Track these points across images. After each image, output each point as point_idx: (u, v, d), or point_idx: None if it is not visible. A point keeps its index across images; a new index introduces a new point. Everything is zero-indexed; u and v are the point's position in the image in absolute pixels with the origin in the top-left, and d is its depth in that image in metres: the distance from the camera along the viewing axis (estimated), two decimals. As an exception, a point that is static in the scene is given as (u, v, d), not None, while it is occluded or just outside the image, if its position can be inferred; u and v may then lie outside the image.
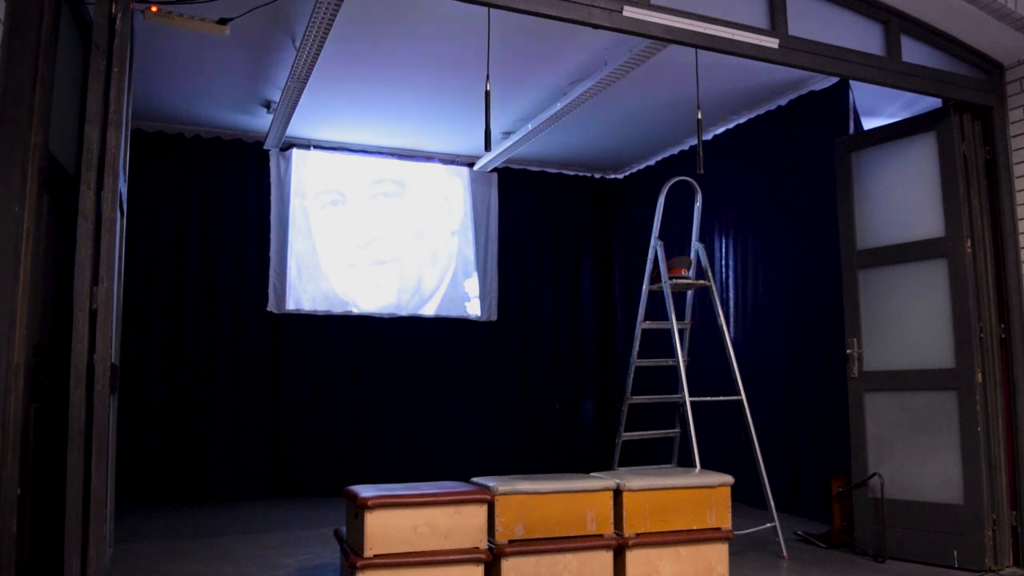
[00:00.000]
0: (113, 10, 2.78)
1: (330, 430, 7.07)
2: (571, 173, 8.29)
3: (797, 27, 3.95)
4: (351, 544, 3.54)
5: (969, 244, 4.30)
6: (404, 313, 7.42)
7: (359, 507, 3.34)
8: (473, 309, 7.71)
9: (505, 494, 3.52)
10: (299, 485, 6.87)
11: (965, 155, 4.38)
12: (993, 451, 4.20)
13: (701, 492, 3.87)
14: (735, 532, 3.98)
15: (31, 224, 2.63)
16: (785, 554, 4.46)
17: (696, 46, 3.89)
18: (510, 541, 3.51)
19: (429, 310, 7.53)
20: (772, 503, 4.58)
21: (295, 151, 7.11)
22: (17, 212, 2.57)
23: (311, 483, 6.88)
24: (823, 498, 5.25)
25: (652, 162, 7.83)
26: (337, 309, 7.17)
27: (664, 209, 5.14)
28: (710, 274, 4.97)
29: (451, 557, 3.39)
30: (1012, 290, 4.32)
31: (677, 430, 5.04)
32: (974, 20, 4.16)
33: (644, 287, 5.04)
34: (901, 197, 4.59)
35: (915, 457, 4.40)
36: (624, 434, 4.93)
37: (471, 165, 7.76)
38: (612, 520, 3.69)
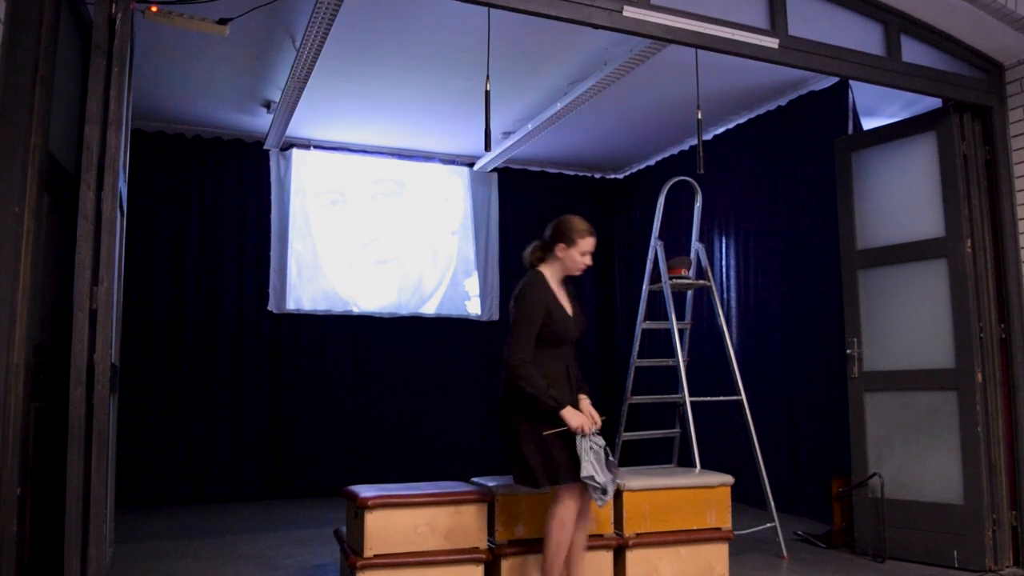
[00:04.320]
0: (113, 10, 2.78)
1: (330, 430, 7.06)
2: (571, 173, 8.29)
3: (797, 27, 3.95)
4: (351, 544, 3.54)
5: (969, 244, 4.30)
6: (404, 313, 7.42)
7: (359, 507, 3.34)
8: (473, 308, 7.71)
9: (505, 494, 3.52)
10: (299, 485, 6.86)
11: (965, 155, 4.38)
12: (993, 451, 4.20)
13: (701, 492, 3.87)
14: (735, 532, 3.98)
15: (31, 224, 2.63)
16: (785, 554, 4.46)
17: (696, 46, 3.89)
18: (510, 541, 3.51)
19: (429, 309, 7.53)
20: (772, 503, 4.58)
21: (295, 151, 7.11)
22: (17, 212, 2.57)
23: (311, 483, 6.88)
24: (823, 498, 5.25)
25: (652, 162, 7.83)
26: (337, 309, 7.18)
27: (664, 209, 5.14)
28: (710, 274, 4.97)
29: (451, 557, 3.40)
30: (1012, 290, 4.32)
31: (677, 430, 5.04)
32: (974, 20, 4.16)
33: (644, 287, 5.04)
34: (901, 197, 4.59)
35: (915, 457, 4.40)
36: (624, 434, 4.93)
37: (471, 165, 7.76)
38: (612, 520, 3.69)
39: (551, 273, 3.34)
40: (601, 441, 3.18)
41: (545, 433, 3.12)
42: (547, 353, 3.22)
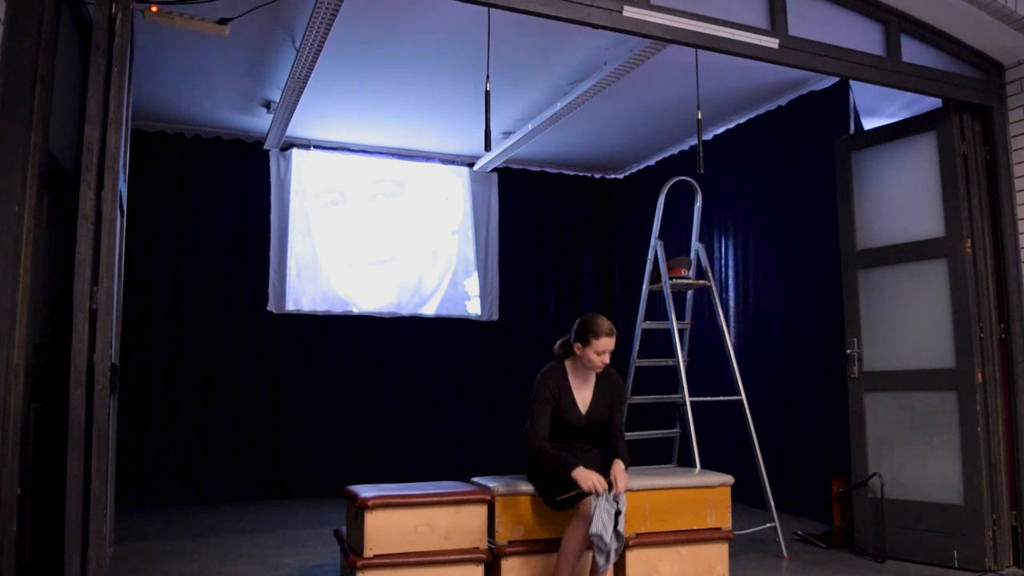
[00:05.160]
0: (113, 10, 2.78)
1: (330, 430, 7.06)
2: (571, 173, 8.29)
3: (797, 27, 3.95)
4: (351, 544, 3.54)
5: (969, 244, 4.30)
6: (404, 313, 7.41)
7: (359, 507, 3.34)
8: (473, 308, 7.71)
9: (505, 495, 3.52)
10: (299, 485, 6.86)
11: (965, 155, 4.38)
12: (993, 451, 4.20)
13: (701, 492, 3.87)
14: (735, 532, 3.98)
15: (31, 224, 2.63)
16: (785, 554, 4.46)
17: (696, 46, 3.89)
18: (510, 542, 3.51)
19: (429, 310, 7.53)
20: (772, 503, 4.58)
21: (295, 151, 7.11)
22: (17, 212, 2.57)
23: (311, 483, 6.88)
24: (823, 498, 5.25)
25: (652, 162, 7.83)
26: (337, 309, 7.17)
27: (664, 209, 5.14)
28: (710, 274, 4.97)
29: (451, 557, 3.39)
30: (1012, 290, 4.32)
31: (677, 430, 5.04)
32: (974, 20, 4.16)
33: (644, 287, 5.04)
34: (901, 197, 4.59)
35: (915, 457, 4.40)
36: (624, 434, 4.93)
37: (471, 165, 7.76)
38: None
39: (573, 366, 3.61)
40: (616, 506, 3.28)
41: (559, 499, 3.39)
42: (556, 441, 3.50)
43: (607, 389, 3.64)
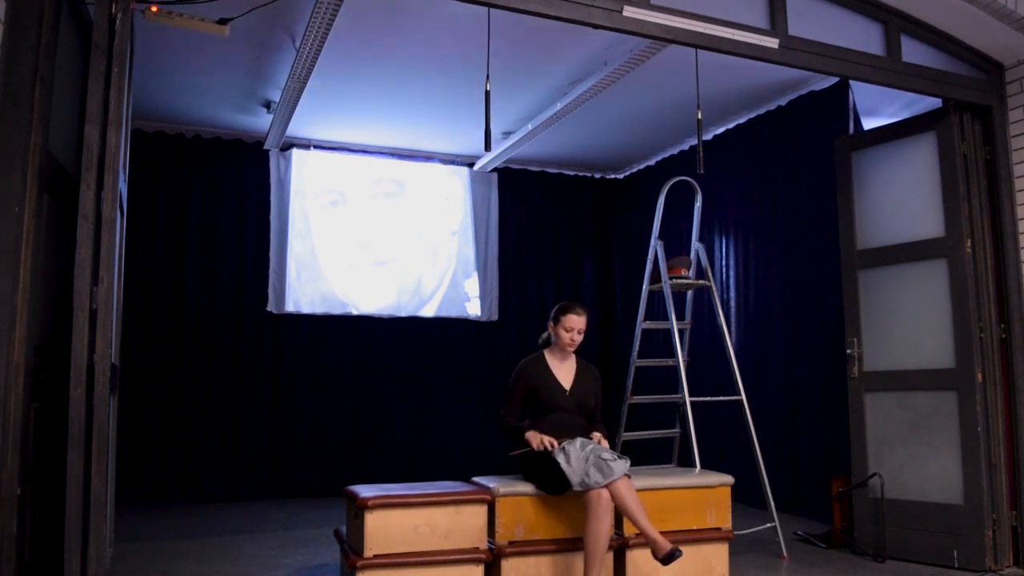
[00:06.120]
0: (113, 10, 2.78)
1: (330, 430, 7.06)
2: (571, 173, 8.29)
3: (797, 27, 3.95)
4: (351, 544, 3.54)
5: (969, 244, 4.30)
6: (404, 314, 7.41)
7: (359, 507, 3.34)
8: (473, 309, 7.71)
9: (506, 495, 3.52)
10: (299, 485, 6.86)
11: (965, 155, 4.38)
12: (993, 451, 4.20)
13: (701, 492, 3.87)
14: (735, 532, 3.98)
15: (31, 224, 2.62)
16: (785, 554, 4.46)
17: (696, 46, 3.89)
18: (510, 542, 3.51)
19: (429, 310, 7.52)
20: (772, 503, 4.58)
21: (295, 151, 7.11)
22: (17, 212, 2.57)
23: (311, 483, 6.88)
24: (823, 498, 5.25)
25: (652, 162, 7.83)
26: (336, 310, 7.17)
27: (664, 209, 5.14)
28: (710, 274, 4.97)
29: (451, 557, 3.40)
30: (1012, 290, 4.32)
31: (677, 430, 5.04)
32: (974, 20, 4.16)
33: (644, 287, 5.04)
34: (901, 197, 4.59)
35: (915, 457, 4.40)
36: (624, 434, 4.93)
37: (471, 165, 7.76)
38: (612, 521, 3.69)
39: (552, 353, 3.86)
40: (577, 446, 3.51)
41: (511, 453, 3.67)
42: (544, 415, 3.71)
43: (590, 379, 3.87)
